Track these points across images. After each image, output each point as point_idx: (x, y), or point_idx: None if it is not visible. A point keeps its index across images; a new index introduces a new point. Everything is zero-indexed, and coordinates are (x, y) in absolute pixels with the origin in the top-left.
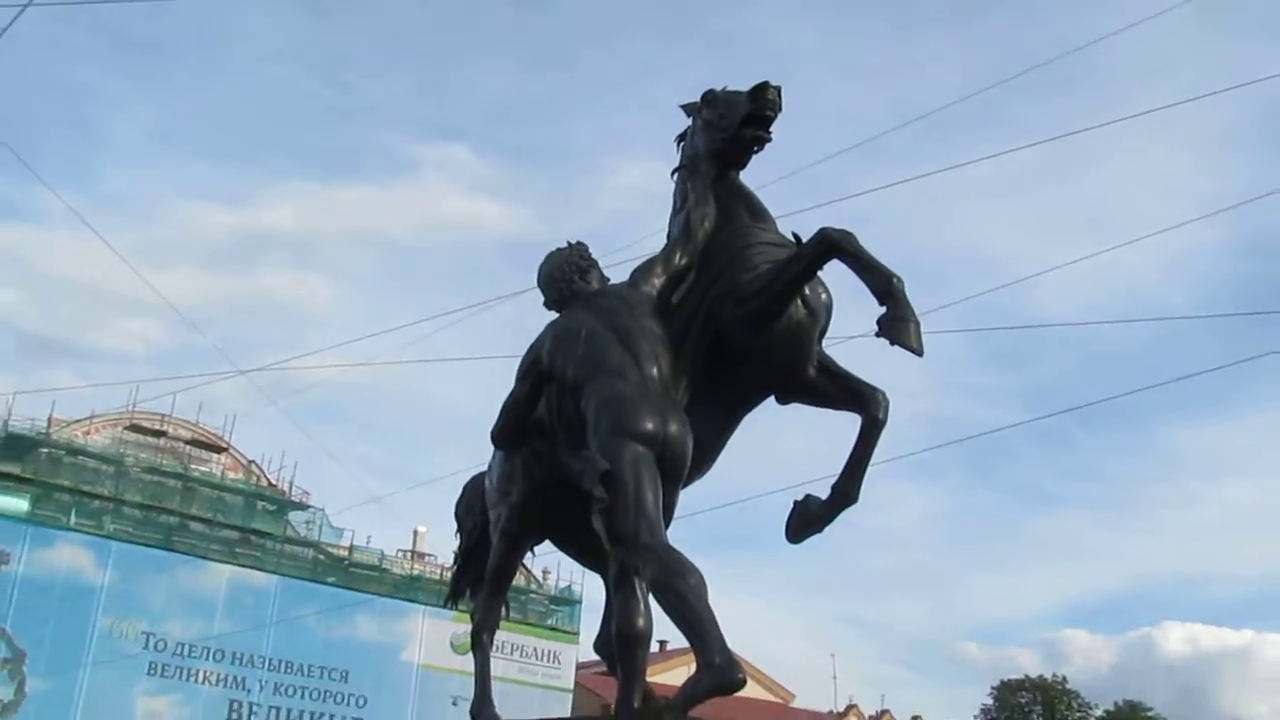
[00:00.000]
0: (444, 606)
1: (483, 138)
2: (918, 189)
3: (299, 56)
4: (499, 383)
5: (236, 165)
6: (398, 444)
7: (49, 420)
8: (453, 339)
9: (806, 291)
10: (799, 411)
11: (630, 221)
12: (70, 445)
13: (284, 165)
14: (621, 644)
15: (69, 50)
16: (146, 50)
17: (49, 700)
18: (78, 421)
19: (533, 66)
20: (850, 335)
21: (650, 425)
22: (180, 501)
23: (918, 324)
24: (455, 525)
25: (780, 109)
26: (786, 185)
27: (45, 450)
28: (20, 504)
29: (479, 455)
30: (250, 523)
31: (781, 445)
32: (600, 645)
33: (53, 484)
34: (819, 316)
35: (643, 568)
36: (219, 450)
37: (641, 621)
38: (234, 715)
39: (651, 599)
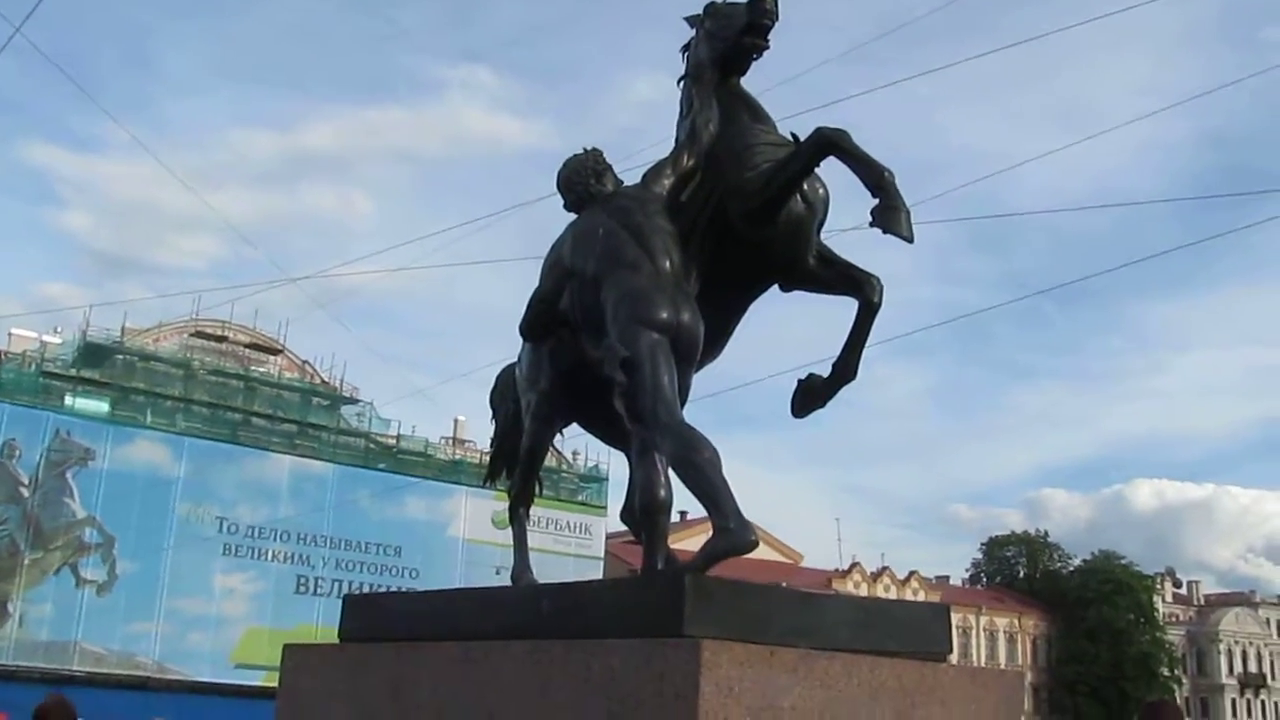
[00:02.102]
0: (483, 486)
1: (502, 59)
2: (902, 92)
3: None
4: (524, 282)
5: (280, 92)
6: (435, 341)
7: (122, 330)
8: (480, 243)
9: (805, 187)
10: (798, 300)
11: (639, 133)
12: (142, 352)
13: (323, 90)
14: (644, 513)
15: None
16: None
17: (138, 580)
18: (148, 330)
19: None
20: (845, 228)
21: (664, 314)
22: (243, 400)
23: (908, 213)
24: (490, 412)
25: (777, 18)
26: (781, 92)
27: (120, 357)
28: (101, 406)
29: (508, 348)
30: (306, 417)
31: (784, 331)
32: (625, 515)
33: (129, 387)
34: (817, 210)
35: (661, 444)
36: (275, 352)
37: (662, 492)
38: (301, 588)
39: (670, 472)
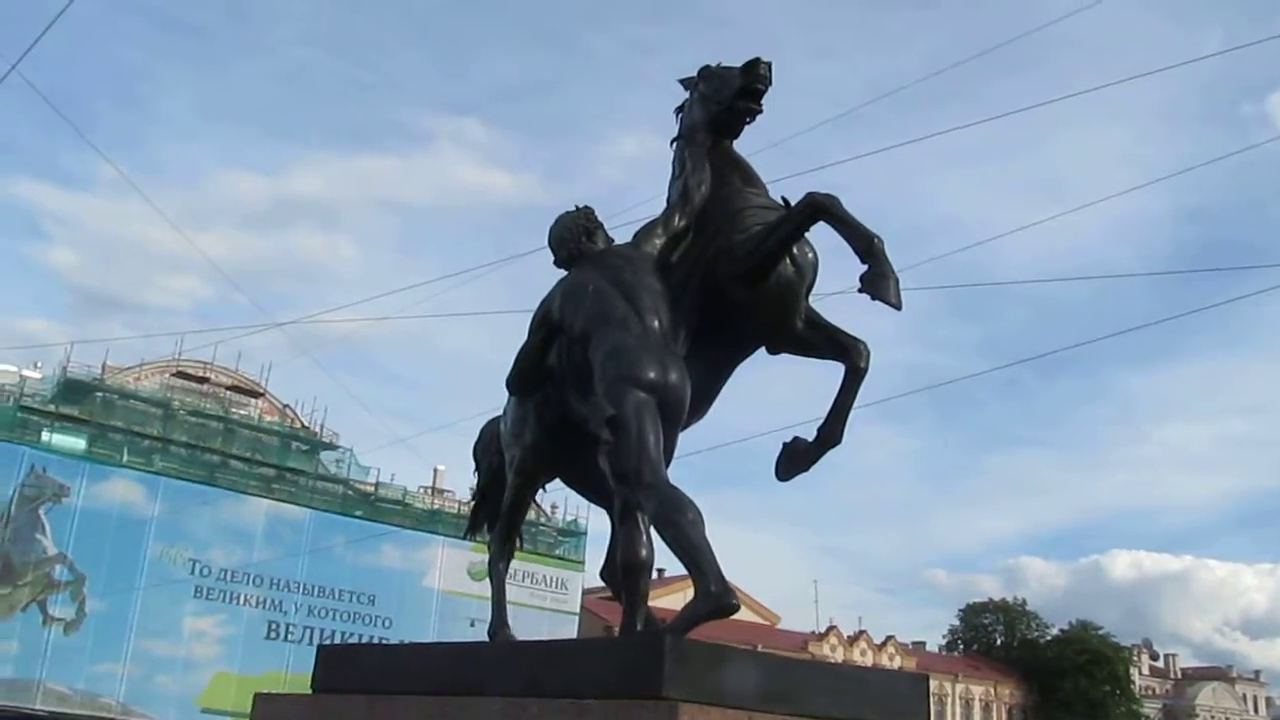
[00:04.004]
0: (463, 538)
1: (492, 113)
2: (889, 159)
3: (327, 38)
4: (508, 335)
5: (270, 138)
6: (417, 390)
7: (103, 367)
8: (465, 295)
9: (795, 251)
10: (784, 362)
11: (627, 190)
12: (122, 390)
13: (313, 138)
14: (625, 572)
15: (121, 33)
16: (191, 34)
17: (107, 619)
18: (129, 369)
19: (538, 47)
20: (832, 291)
21: (652, 373)
22: (222, 441)
23: (897, 280)
24: (474, 464)
25: (771, 83)
26: (770, 155)
27: (100, 394)
28: (78, 443)
29: (491, 400)
30: (285, 461)
31: (768, 393)
32: (606, 573)
33: (107, 425)
34: (806, 274)
35: (645, 503)
36: (256, 395)
37: (644, 552)
38: (272, 634)
39: (653, 531)
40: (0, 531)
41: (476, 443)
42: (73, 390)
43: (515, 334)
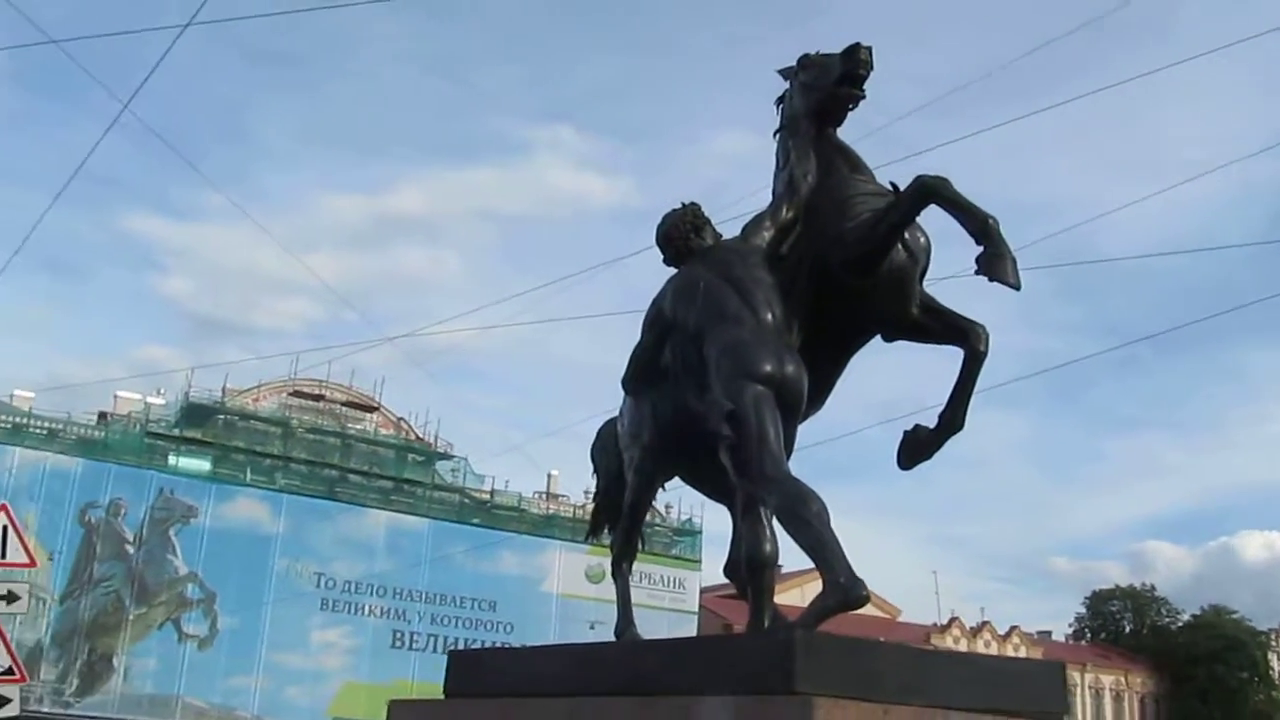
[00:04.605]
0: (585, 541)
1: (585, 118)
2: (988, 140)
3: (420, 56)
4: (615, 338)
5: (369, 158)
6: (528, 397)
7: (223, 390)
8: (570, 300)
9: (906, 236)
10: (892, 352)
11: (725, 187)
12: (242, 411)
13: (411, 154)
14: (750, 568)
15: (222, 68)
16: (288, 63)
17: (239, 634)
18: (247, 390)
19: (626, 49)
20: (944, 275)
21: (768, 367)
22: (340, 457)
23: (1014, 260)
24: (591, 467)
25: (872, 67)
26: (868, 144)
27: (222, 417)
28: (203, 465)
29: (602, 404)
30: (402, 473)
31: (878, 383)
32: (729, 570)
33: (229, 446)
34: (919, 258)
35: (768, 498)
36: (371, 410)
37: (768, 547)
38: (398, 643)
39: (777, 526)
40: (134, 554)
41: (594, 444)
42: (195, 414)
43: (623, 336)
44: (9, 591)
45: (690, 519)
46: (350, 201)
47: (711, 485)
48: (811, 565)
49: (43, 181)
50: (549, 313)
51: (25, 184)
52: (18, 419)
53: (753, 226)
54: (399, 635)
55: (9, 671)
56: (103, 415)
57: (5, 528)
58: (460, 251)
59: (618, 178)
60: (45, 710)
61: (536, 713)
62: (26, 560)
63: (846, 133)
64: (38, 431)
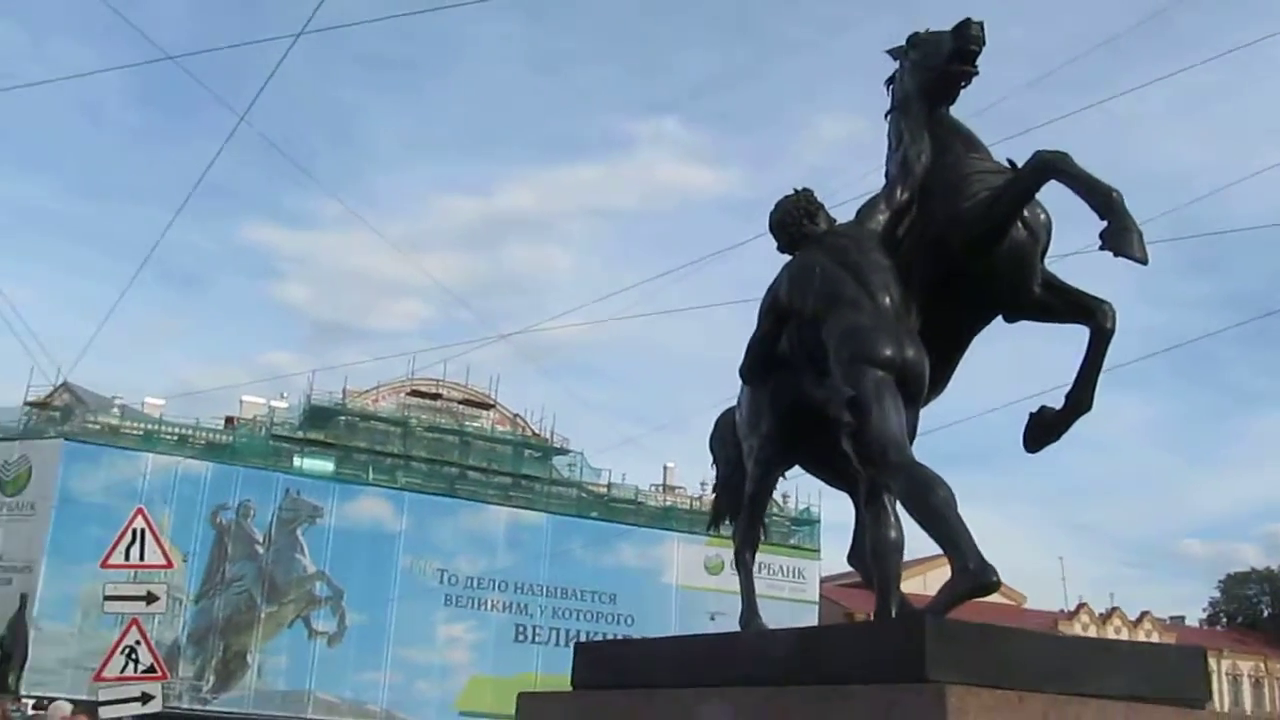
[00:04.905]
0: (705, 532)
1: (689, 110)
2: (1103, 113)
3: (523, 56)
4: (727, 328)
5: (478, 159)
6: (642, 390)
7: (343, 392)
8: (681, 292)
9: (1026, 213)
10: (1009, 334)
11: (834, 173)
12: (362, 412)
13: (518, 153)
14: (876, 555)
15: (332, 76)
16: (396, 68)
17: (366, 630)
18: (367, 392)
19: (726, 38)
20: (1067, 252)
21: (888, 351)
22: (458, 454)
23: (1140, 234)
24: (711, 457)
25: (984, 42)
26: (978, 122)
27: (343, 418)
28: (327, 466)
29: (716, 394)
30: (520, 469)
31: (997, 366)
32: (853, 558)
33: (351, 446)
34: (1040, 236)
35: (893, 483)
36: (487, 407)
37: (893, 533)
38: (521, 637)
39: (901, 512)
40: (263, 554)
41: (713, 434)
42: (318, 416)
43: (736, 326)
44: (148, 592)
45: (808, 508)
46: (461, 202)
47: (833, 472)
48: (935, 553)
49: (164, 196)
50: (660, 305)
51: (148, 199)
52: (149, 425)
53: (867, 210)
54: (521, 629)
55: (151, 669)
56: (229, 420)
57: (143, 531)
58: (570, 248)
59: (725, 168)
60: (184, 706)
61: (665, 703)
62: (164, 562)
63: (958, 111)
64: (169, 437)
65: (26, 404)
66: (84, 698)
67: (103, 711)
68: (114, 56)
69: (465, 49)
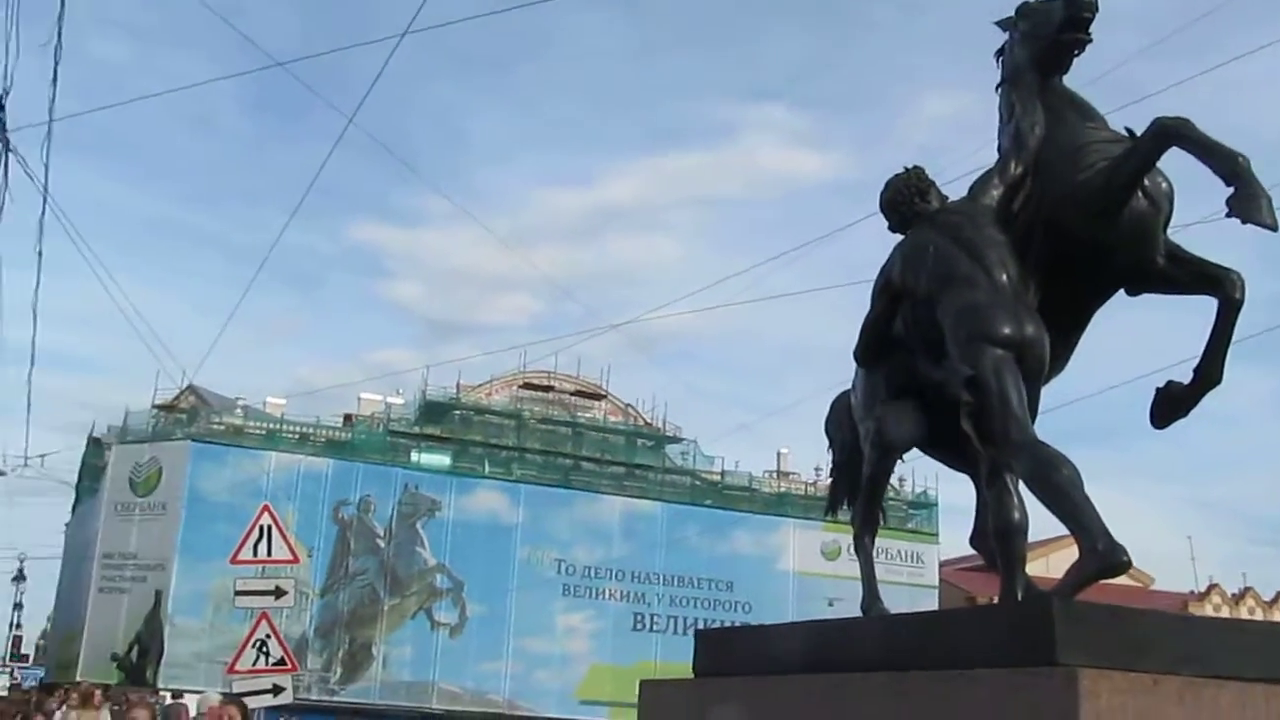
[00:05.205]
0: (823, 517)
1: (791, 95)
2: (1218, 79)
3: (620, 48)
4: (837, 312)
5: (581, 152)
6: (752, 376)
7: (457, 387)
8: (789, 277)
9: (1146, 183)
10: (1130, 308)
11: (941, 151)
12: (476, 406)
13: (619, 145)
14: (999, 538)
15: (434, 75)
16: (497, 64)
17: (487, 621)
18: (480, 386)
19: (824, 20)
20: (1190, 222)
21: (1007, 329)
22: (572, 445)
23: (1269, 199)
24: (827, 441)
25: (1097, 9)
26: (1093, 91)
27: (458, 412)
28: (443, 460)
29: (827, 378)
30: (633, 458)
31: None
32: (976, 541)
33: (466, 440)
34: (1162, 205)
35: (1015, 464)
36: (599, 398)
37: (1017, 515)
38: (639, 625)
39: (1025, 493)
40: (385, 547)
41: (828, 418)
42: (433, 411)
43: (846, 309)
44: (276, 587)
45: (925, 491)
46: (565, 195)
47: (952, 454)
48: (1058, 534)
49: (278, 199)
50: (768, 291)
51: (263, 203)
52: (271, 425)
53: (980, 186)
54: (639, 618)
55: (281, 662)
56: (348, 417)
57: (269, 527)
58: (676, 236)
59: (829, 151)
60: (313, 698)
61: (788, 689)
62: (290, 557)
63: (1071, 81)
64: (290, 436)
65: (155, 407)
66: (218, 690)
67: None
68: (224, 66)
69: (561, 42)
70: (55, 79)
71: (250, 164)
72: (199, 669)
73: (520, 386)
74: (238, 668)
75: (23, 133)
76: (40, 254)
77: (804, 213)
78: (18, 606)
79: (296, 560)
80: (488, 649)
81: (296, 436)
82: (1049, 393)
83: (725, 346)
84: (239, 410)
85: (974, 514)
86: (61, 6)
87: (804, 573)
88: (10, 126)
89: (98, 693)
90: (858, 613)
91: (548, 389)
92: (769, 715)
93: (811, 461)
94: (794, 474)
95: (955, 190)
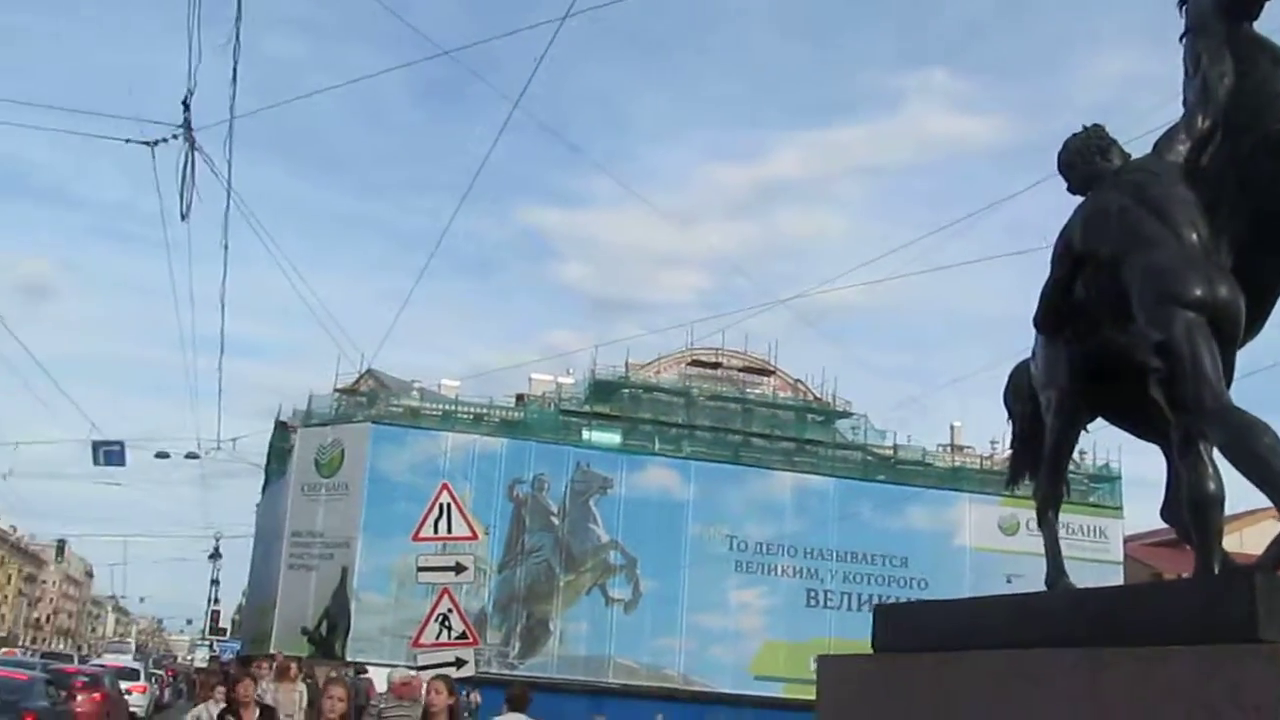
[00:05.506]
0: (1004, 490)
1: (956, 60)
2: None
3: (780, 22)
4: (1005, 279)
5: (744, 127)
6: (922, 349)
7: (625, 366)
8: (957, 247)
9: None
10: None
11: (1113, 110)
12: (645, 384)
13: (783, 119)
14: (1193, 510)
15: (597, 58)
16: (658, 44)
17: (660, 597)
18: (648, 364)
19: None
20: None
21: (1198, 291)
22: (741, 421)
23: None
24: (1006, 413)
25: None
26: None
27: (626, 391)
28: (614, 438)
29: (1000, 348)
30: (803, 433)
31: None
32: (1167, 513)
33: (636, 418)
34: None
35: (1210, 432)
36: (768, 374)
37: (1212, 485)
38: (812, 602)
39: (1221, 461)
40: (559, 525)
41: (1006, 389)
42: (602, 390)
43: (1017, 277)
44: (457, 563)
45: (1108, 464)
46: (730, 171)
47: (1139, 423)
48: (1253, 507)
49: (446, 187)
50: (936, 261)
51: (432, 191)
52: (447, 406)
53: (1165, 142)
54: (813, 594)
55: (463, 636)
56: (520, 397)
57: (449, 505)
58: (842, 209)
59: (995, 116)
60: (494, 671)
61: (972, 666)
62: (470, 534)
63: (1263, 26)
64: (465, 416)
65: (336, 391)
66: (401, 663)
67: (423, 675)
68: (392, 57)
69: (721, 21)
70: (235, 78)
71: (419, 153)
72: (384, 643)
73: (688, 364)
74: (421, 641)
75: (206, 131)
76: (226, 247)
77: (972, 181)
78: (214, 583)
79: (476, 537)
80: (662, 625)
81: (471, 417)
82: (1243, 357)
83: (894, 319)
84: (415, 392)
85: (1164, 486)
86: (239, 8)
87: (981, 548)
88: (195, 126)
89: (293, 665)
90: (1040, 589)
91: (716, 365)
92: (954, 691)
93: (986, 435)
94: (968, 447)
95: (1136, 150)
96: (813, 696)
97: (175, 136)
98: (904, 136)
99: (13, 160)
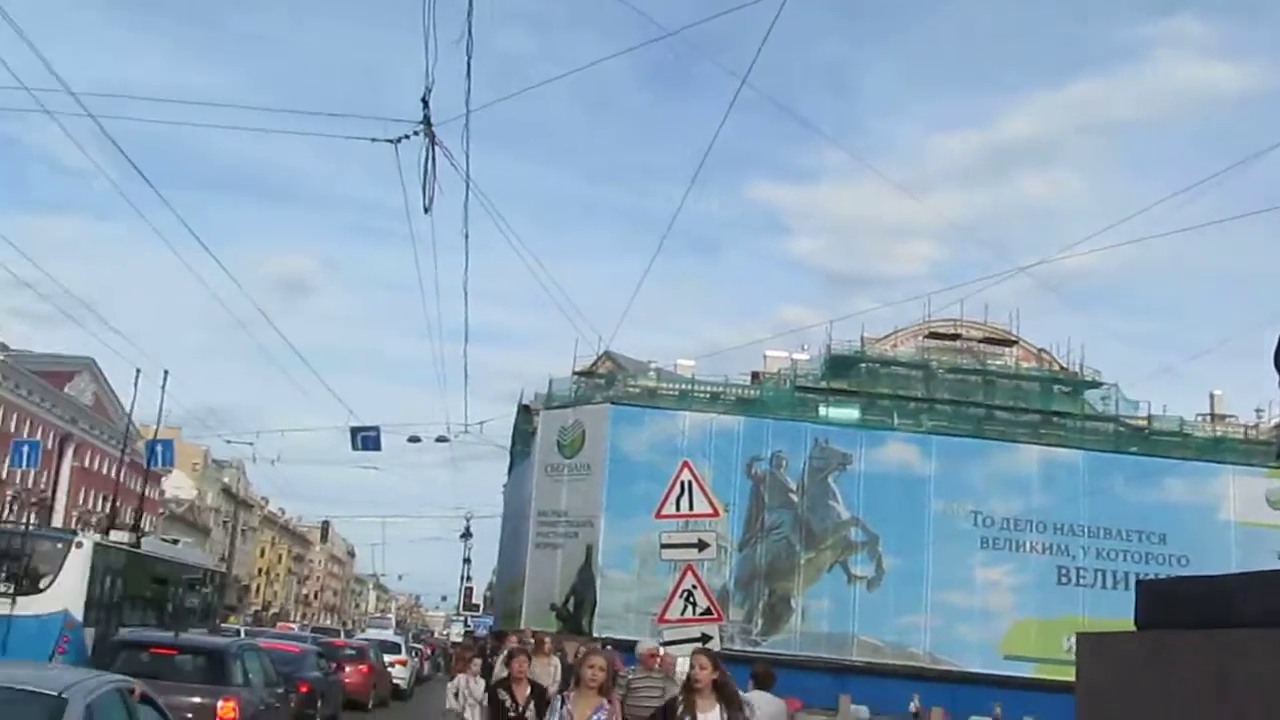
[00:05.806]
0: (1274, 461)
1: (1202, 3)
2: None
3: None
4: (1266, 237)
5: (973, 92)
6: (1174, 314)
7: (861, 340)
8: (1209, 205)
9: None
10: None
11: None
12: (882, 358)
13: (1014, 80)
14: None
15: (818, 29)
16: (882, 12)
17: (903, 574)
18: (884, 338)
19: None
20: None
21: None
22: (982, 394)
23: None
24: (1277, 379)
25: None
26: None
27: (863, 366)
28: (852, 414)
29: (1260, 312)
30: (1049, 405)
31: None
32: None
33: (874, 393)
34: None
35: None
36: (1009, 344)
37: None
38: (1063, 579)
39: None
40: (798, 502)
41: (1277, 352)
42: (838, 365)
43: (1276, 235)
44: (699, 540)
45: None
46: (960, 137)
47: None
48: None
49: (674, 169)
50: (1186, 221)
51: (660, 174)
52: (683, 386)
53: None
54: (1064, 571)
55: (708, 612)
56: (755, 375)
57: (690, 483)
58: (1081, 169)
59: (1247, 61)
60: (737, 648)
61: (1246, 642)
62: (711, 511)
63: (1263, 25)
64: (701, 395)
65: (575, 374)
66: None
67: (670, 651)
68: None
69: None
70: (469, 73)
71: (647, 136)
72: (629, 619)
73: (926, 336)
74: (666, 617)
75: (444, 126)
76: (466, 236)
77: (1222, 131)
78: (466, 561)
79: (717, 514)
80: (906, 602)
81: (707, 396)
82: None
83: (1143, 284)
84: (652, 373)
85: None
86: (470, 5)
87: (1247, 523)
88: (434, 121)
89: (547, 640)
90: None
91: (954, 337)
92: (1231, 672)
93: (1251, 403)
94: (1231, 417)
95: None
96: (1066, 677)
97: (416, 133)
98: (1143, 90)
99: (278, 169)
